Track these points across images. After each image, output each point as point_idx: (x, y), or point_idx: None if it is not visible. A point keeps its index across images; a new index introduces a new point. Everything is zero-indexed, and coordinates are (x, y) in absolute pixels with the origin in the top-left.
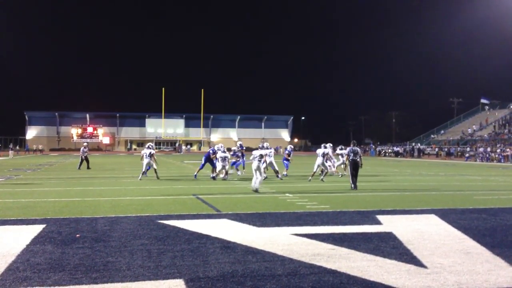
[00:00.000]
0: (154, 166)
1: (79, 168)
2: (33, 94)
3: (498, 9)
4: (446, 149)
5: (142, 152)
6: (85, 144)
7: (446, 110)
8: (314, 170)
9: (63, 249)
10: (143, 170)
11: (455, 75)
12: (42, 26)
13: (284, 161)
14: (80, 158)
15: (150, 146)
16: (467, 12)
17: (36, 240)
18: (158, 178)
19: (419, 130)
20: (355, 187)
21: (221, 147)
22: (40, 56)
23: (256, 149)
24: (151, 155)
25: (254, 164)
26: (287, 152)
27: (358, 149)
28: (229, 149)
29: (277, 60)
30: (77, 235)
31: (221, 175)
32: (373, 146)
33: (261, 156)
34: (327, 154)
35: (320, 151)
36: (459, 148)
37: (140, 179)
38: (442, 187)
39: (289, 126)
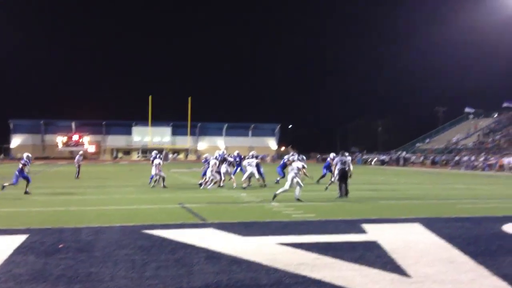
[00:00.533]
0: (163, 175)
1: (77, 177)
2: (17, 102)
3: (483, 19)
4: (431, 158)
5: (154, 160)
6: (80, 152)
7: (431, 119)
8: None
9: (46, 260)
10: (156, 178)
11: (440, 84)
12: (27, 34)
13: (279, 169)
14: (78, 167)
15: (159, 156)
16: (453, 21)
17: (18, 251)
18: (152, 186)
19: (405, 138)
20: (343, 195)
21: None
22: (25, 64)
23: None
24: (152, 163)
25: (290, 175)
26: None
27: (347, 158)
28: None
29: (265, 68)
30: (60, 245)
31: (215, 183)
32: (360, 154)
33: (298, 169)
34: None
35: (339, 159)
36: (444, 157)
37: (152, 187)
38: (427, 195)
39: (276, 134)
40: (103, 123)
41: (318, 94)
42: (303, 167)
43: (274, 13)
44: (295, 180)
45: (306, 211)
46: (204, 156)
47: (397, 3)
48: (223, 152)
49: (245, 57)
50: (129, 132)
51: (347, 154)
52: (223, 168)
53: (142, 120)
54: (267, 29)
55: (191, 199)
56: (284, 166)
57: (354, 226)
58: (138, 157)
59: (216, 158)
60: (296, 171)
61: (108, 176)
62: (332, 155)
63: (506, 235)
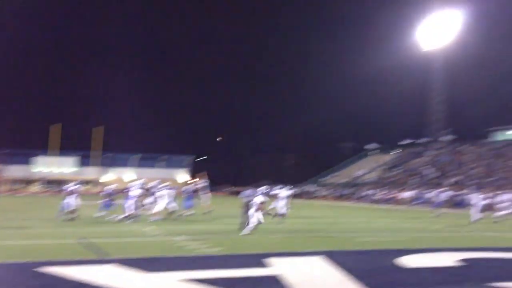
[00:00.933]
0: (74, 207)
1: None
2: None
3: (384, 58)
4: (335, 192)
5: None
6: None
7: (336, 154)
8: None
9: None
10: (64, 210)
11: (345, 120)
12: None
13: (186, 202)
14: None
15: (74, 185)
16: (357, 60)
17: None
18: (73, 219)
19: (311, 172)
20: (247, 228)
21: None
22: None
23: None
24: (71, 193)
25: (252, 210)
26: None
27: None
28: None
29: (179, 100)
30: None
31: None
32: (269, 188)
33: (262, 203)
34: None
35: (284, 193)
36: (348, 191)
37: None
38: (331, 229)
39: (189, 166)
40: (3, 152)
41: (230, 127)
42: (262, 202)
43: (188, 49)
44: (256, 214)
45: (213, 245)
46: (106, 188)
47: (305, 44)
48: (143, 183)
49: (157, 87)
50: (31, 162)
51: (285, 188)
52: (151, 199)
53: (47, 149)
54: (183, 61)
55: (94, 233)
56: (192, 196)
57: (258, 260)
58: (39, 188)
59: (141, 188)
60: (258, 205)
61: (4, 208)
62: (264, 188)
63: (398, 268)
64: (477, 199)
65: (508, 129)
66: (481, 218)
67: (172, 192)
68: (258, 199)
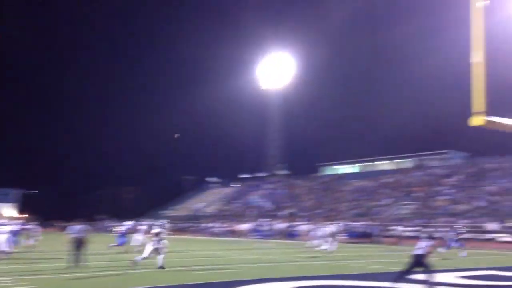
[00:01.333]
0: None
1: None
2: None
3: (226, 93)
4: (176, 224)
5: None
6: None
7: (176, 187)
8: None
9: None
10: None
11: (186, 154)
12: None
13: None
14: None
15: None
16: (199, 94)
17: None
18: None
19: (151, 205)
20: (75, 264)
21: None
22: None
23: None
24: None
25: (151, 244)
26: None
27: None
28: None
29: (8, 131)
30: None
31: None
32: (107, 222)
33: (159, 236)
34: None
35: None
36: (188, 224)
37: None
38: (169, 263)
39: (17, 201)
40: None
41: (66, 159)
42: (158, 233)
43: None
44: (154, 247)
45: (38, 285)
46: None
47: (145, 77)
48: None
49: None
50: None
51: (158, 224)
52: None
53: None
54: (15, 88)
55: None
56: (16, 233)
57: None
58: None
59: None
60: (157, 239)
61: None
62: (130, 223)
63: None
64: (321, 229)
65: (335, 164)
66: (328, 247)
67: (11, 228)
68: (155, 231)
